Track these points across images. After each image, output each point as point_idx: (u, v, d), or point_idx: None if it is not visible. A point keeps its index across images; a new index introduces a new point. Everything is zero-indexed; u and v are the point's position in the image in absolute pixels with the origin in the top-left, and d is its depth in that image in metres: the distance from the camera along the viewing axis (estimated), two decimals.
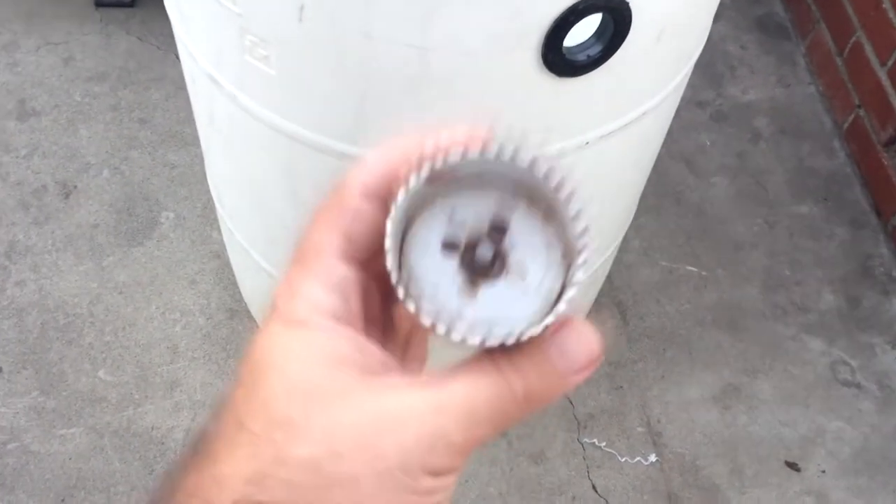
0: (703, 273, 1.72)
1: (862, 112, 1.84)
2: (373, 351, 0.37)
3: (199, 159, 1.66)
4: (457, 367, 0.37)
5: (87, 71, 1.90)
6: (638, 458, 1.52)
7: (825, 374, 1.63)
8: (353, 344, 0.36)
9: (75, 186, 1.73)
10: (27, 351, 1.54)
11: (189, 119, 1.32)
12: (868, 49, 1.81)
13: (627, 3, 0.84)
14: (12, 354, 1.54)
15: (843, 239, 1.79)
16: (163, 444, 1.47)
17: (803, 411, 1.58)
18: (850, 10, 1.87)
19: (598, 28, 0.87)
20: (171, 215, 1.71)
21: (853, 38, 1.86)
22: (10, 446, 1.46)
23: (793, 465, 1.53)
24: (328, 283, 0.37)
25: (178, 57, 1.17)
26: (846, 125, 1.90)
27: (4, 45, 1.93)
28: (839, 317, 1.69)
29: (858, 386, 1.62)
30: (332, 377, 0.35)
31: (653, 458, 1.52)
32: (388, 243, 0.36)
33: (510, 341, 0.34)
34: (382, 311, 0.40)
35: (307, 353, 0.35)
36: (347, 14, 0.85)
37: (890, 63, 1.76)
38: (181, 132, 1.81)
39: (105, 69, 1.90)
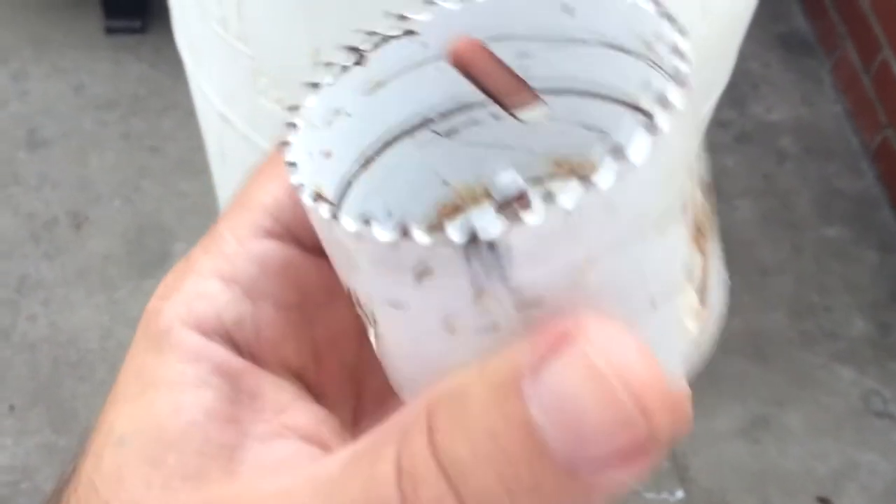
0: (728, 300, 1.68)
1: (890, 132, 1.79)
2: (273, 394, 0.24)
3: (211, 188, 1.64)
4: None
5: (97, 98, 1.87)
6: (664, 494, 1.47)
7: (857, 404, 1.58)
8: (233, 379, 0.23)
9: (86, 217, 1.71)
10: (39, 387, 1.51)
11: (201, 147, 1.29)
12: None
13: None
14: (24, 391, 1.51)
15: (872, 263, 1.74)
16: None
17: (834, 444, 1.54)
18: (876, 27, 1.83)
19: None
20: (184, 246, 1.68)
21: (880, 56, 1.81)
22: (22, 486, 1.43)
23: (825, 501, 1.48)
24: (227, 270, 0.24)
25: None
26: (874, 145, 1.85)
27: (14, 73, 1.91)
28: (870, 344, 1.65)
29: (892, 417, 1.57)
30: (177, 462, 0.22)
31: (680, 493, 1.47)
32: (289, 154, 0.23)
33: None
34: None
35: (149, 406, 0.23)
36: None
37: None
38: (193, 160, 1.78)
39: (116, 96, 1.88)
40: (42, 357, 1.54)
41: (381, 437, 0.20)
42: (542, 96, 0.26)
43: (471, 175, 0.28)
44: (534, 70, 0.26)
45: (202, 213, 1.71)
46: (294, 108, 0.24)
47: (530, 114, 0.26)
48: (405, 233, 0.20)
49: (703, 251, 0.23)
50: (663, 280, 0.22)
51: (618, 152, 0.19)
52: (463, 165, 0.27)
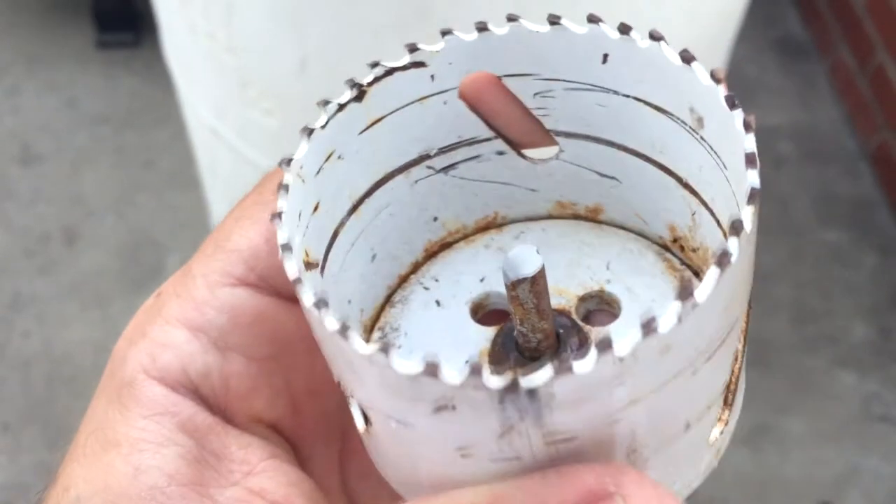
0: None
1: (888, 134, 1.78)
2: (240, 455, 0.23)
3: (204, 201, 1.63)
4: None
5: (90, 113, 1.86)
6: None
7: (858, 409, 1.57)
8: (198, 437, 0.22)
9: (80, 232, 1.70)
10: (33, 405, 1.50)
11: (194, 160, 1.28)
12: (892, 69, 1.76)
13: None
14: (18, 409, 1.50)
15: (872, 267, 1.73)
16: None
17: (837, 449, 1.52)
18: (871, 30, 1.82)
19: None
20: (177, 260, 1.67)
21: (876, 59, 1.80)
22: None
23: None
24: (195, 318, 0.23)
25: None
26: (872, 148, 1.84)
27: (7, 89, 1.90)
28: (871, 348, 1.63)
29: (893, 421, 1.56)
30: None
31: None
32: (283, 234, 0.21)
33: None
34: None
35: (108, 467, 0.22)
36: (351, 65, 0.81)
37: None
38: (186, 174, 1.77)
39: (109, 111, 1.87)
40: (36, 374, 1.53)
41: None
42: (556, 138, 0.25)
43: (463, 210, 0.26)
44: (552, 111, 0.24)
45: (195, 226, 1.70)
46: (286, 162, 0.22)
47: (540, 153, 0.25)
48: (432, 370, 0.18)
49: (737, 356, 0.22)
50: (701, 404, 0.21)
51: (685, 293, 0.18)
52: (455, 201, 0.26)
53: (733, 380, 0.22)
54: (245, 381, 0.24)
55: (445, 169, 0.25)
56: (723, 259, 0.18)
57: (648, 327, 0.17)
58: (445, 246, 0.27)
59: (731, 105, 0.21)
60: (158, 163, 1.79)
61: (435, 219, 0.26)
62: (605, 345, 0.17)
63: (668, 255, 0.26)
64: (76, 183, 1.77)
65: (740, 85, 1.97)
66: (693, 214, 0.24)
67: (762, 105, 1.95)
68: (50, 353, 1.56)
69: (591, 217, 0.26)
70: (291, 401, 0.25)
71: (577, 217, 0.27)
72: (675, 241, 0.26)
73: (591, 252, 0.26)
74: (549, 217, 0.27)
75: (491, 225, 0.27)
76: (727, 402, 0.23)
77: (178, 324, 0.23)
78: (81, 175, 1.78)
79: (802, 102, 1.97)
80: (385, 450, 0.22)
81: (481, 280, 0.26)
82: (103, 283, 1.64)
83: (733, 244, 0.19)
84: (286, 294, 0.24)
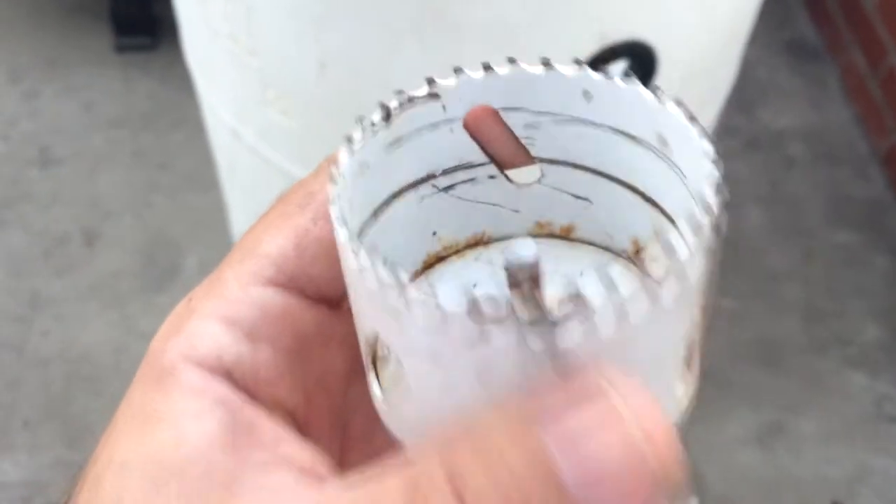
0: (739, 306, 1.67)
1: None
2: (269, 427, 0.24)
3: (220, 202, 1.65)
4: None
5: (107, 116, 1.88)
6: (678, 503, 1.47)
7: (870, 409, 1.57)
8: (233, 412, 0.24)
9: (98, 234, 1.72)
10: (52, 403, 1.52)
11: (210, 162, 1.30)
12: None
13: (650, 49, 0.81)
14: (37, 407, 1.51)
15: (884, 268, 1.74)
16: None
17: (848, 449, 1.53)
18: (882, 32, 1.83)
19: (623, 75, 0.85)
20: (194, 261, 1.69)
21: (887, 61, 1.81)
22: (35, 502, 1.43)
23: None
24: (229, 313, 0.25)
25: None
26: (883, 150, 1.85)
27: (25, 92, 1.92)
28: (883, 349, 1.64)
29: None
30: (179, 487, 0.22)
31: (694, 502, 1.47)
32: (336, 210, 0.24)
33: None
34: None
35: (151, 436, 0.23)
36: (369, 67, 0.82)
37: None
38: (202, 175, 1.79)
39: (126, 114, 1.89)
40: (55, 372, 1.55)
41: (394, 462, 0.21)
42: (539, 164, 0.29)
43: (458, 227, 0.30)
44: (537, 140, 0.28)
45: (212, 227, 1.72)
46: (333, 161, 0.25)
47: (522, 176, 0.29)
48: (475, 306, 0.20)
49: (698, 318, 0.25)
50: (673, 347, 0.24)
51: (669, 250, 0.21)
52: (452, 218, 0.29)
53: (693, 336, 0.25)
54: (272, 369, 0.25)
55: (446, 189, 0.29)
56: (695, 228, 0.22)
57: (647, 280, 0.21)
58: (440, 259, 0.30)
59: (701, 133, 0.24)
60: (175, 165, 1.81)
61: (434, 233, 0.29)
62: (609, 283, 0.20)
63: (632, 267, 0.29)
64: (94, 185, 1.79)
65: (751, 87, 1.98)
66: (655, 231, 0.28)
67: (773, 107, 1.96)
68: (69, 352, 1.57)
69: (564, 235, 0.30)
70: (305, 390, 0.27)
71: (552, 236, 0.30)
72: (636, 252, 0.29)
73: (566, 263, 0.30)
74: (529, 236, 0.30)
75: (479, 242, 0.30)
76: (689, 365, 0.26)
77: (213, 318, 0.25)
78: (99, 177, 1.80)
79: (813, 104, 1.97)
80: (409, 391, 0.24)
81: (474, 286, 0.29)
82: (121, 284, 1.66)
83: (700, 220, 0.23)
84: (309, 294, 0.26)
